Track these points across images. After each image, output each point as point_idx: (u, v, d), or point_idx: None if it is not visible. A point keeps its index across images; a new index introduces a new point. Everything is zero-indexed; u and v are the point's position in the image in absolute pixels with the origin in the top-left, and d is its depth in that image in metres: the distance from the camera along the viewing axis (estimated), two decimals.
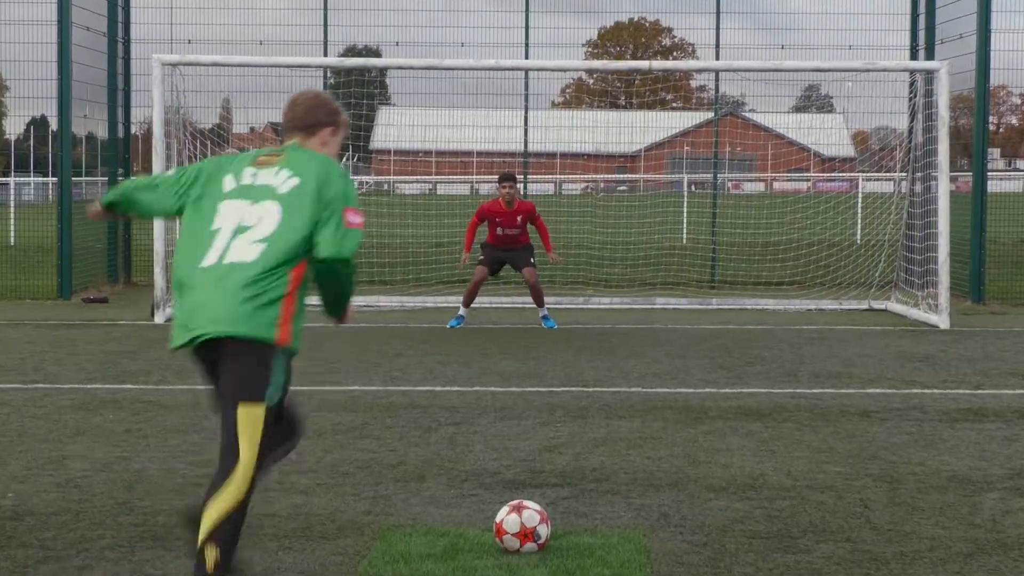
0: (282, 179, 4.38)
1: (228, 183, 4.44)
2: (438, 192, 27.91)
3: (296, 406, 4.61)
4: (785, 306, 14.96)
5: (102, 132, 17.20)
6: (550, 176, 27.39)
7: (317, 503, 5.72)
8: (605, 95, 21.48)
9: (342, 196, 4.34)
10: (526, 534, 4.92)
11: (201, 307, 4.26)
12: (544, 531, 4.96)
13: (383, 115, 22.57)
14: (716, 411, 8.12)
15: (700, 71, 21.19)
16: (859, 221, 19.88)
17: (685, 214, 23.20)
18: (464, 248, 13.13)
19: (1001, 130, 56.50)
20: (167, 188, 4.60)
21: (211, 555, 4.14)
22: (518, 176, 16.40)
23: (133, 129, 17.95)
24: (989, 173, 16.52)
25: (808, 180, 31.89)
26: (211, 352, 4.30)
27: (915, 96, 15.02)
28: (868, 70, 14.89)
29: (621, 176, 35.01)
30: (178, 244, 4.49)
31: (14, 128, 23.77)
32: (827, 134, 25.36)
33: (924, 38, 16.87)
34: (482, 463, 6.56)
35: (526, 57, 17.17)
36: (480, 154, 22.39)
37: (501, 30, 17.71)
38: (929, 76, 14.27)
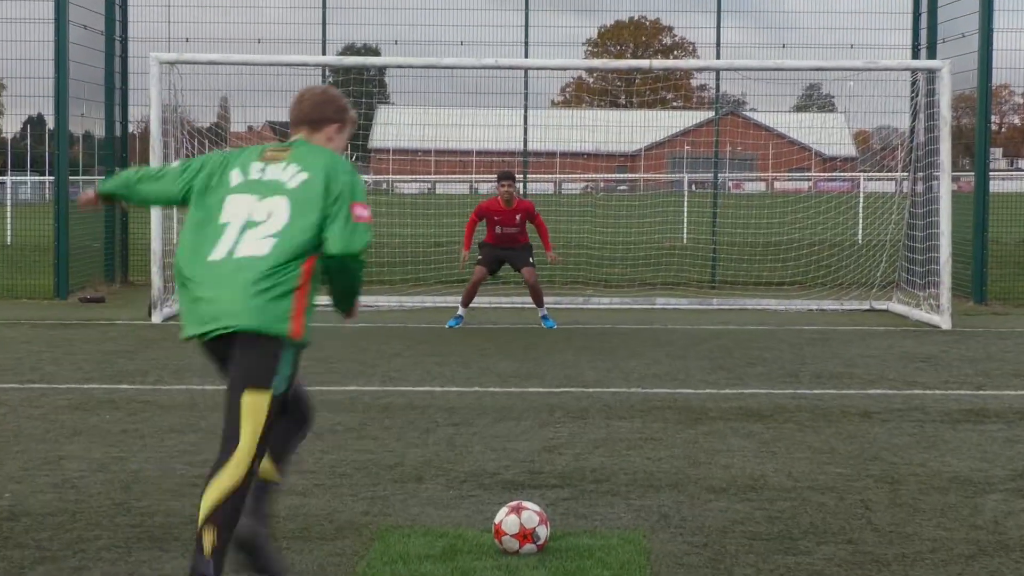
0: (290, 174, 4.39)
1: (235, 177, 4.44)
2: (437, 191, 27.88)
3: (305, 394, 4.61)
4: (786, 306, 14.94)
5: (99, 131, 17.18)
6: (550, 176, 27.35)
7: (315, 504, 5.71)
8: (605, 94, 21.43)
9: (350, 190, 4.36)
10: (525, 535, 4.90)
11: (214, 301, 4.26)
12: (543, 532, 4.94)
13: (382, 114, 22.54)
14: (716, 412, 8.10)
15: (700, 70, 21.16)
16: (860, 221, 19.85)
17: (685, 214, 23.16)
18: (463, 246, 13.09)
19: (1003, 130, 56.46)
20: (171, 177, 4.60)
21: (208, 538, 4.15)
22: (518, 176, 16.38)
23: (130, 128, 17.92)
24: (991, 173, 16.48)
25: (809, 180, 31.86)
26: (222, 345, 4.30)
27: (917, 95, 15.00)
28: (870, 69, 14.86)
29: (621, 176, 34.98)
30: (182, 237, 4.47)
31: (11, 127, 23.75)
32: (828, 133, 25.30)
33: (926, 37, 16.85)
34: (481, 464, 6.54)
35: (526, 56, 17.15)
36: (479, 153, 22.35)
37: (501, 28, 17.69)
38: (931, 75, 14.24)
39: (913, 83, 15.34)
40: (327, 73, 17.28)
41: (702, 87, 38.54)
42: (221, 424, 4.30)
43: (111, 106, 16.98)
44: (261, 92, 17.62)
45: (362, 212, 4.34)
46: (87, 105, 16.65)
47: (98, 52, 16.68)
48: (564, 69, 18.99)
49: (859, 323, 13.63)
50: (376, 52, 21.28)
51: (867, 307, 14.93)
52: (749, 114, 27.00)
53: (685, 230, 22.52)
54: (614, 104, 21.80)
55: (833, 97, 24.03)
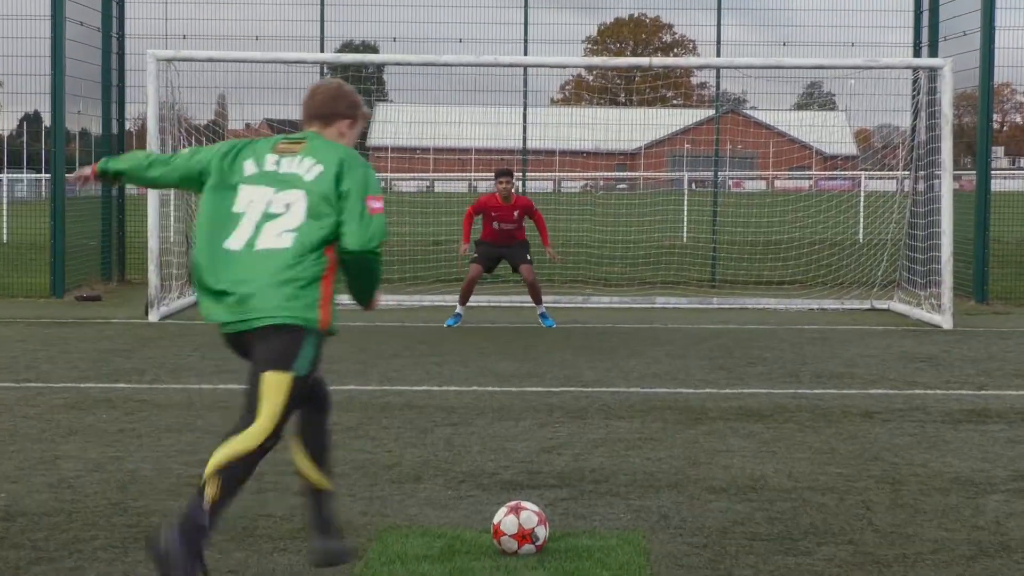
0: (306, 167, 4.43)
1: (249, 167, 4.48)
2: (436, 190, 27.82)
3: (323, 383, 4.63)
4: (787, 306, 14.92)
5: (96, 128, 17.13)
6: (549, 174, 27.32)
7: None
8: (605, 92, 21.40)
9: (363, 184, 4.40)
10: (524, 536, 4.89)
11: (241, 294, 4.30)
12: (542, 533, 4.92)
13: (380, 112, 22.49)
14: (716, 412, 8.07)
15: (701, 68, 21.11)
16: (861, 220, 19.83)
17: (685, 212, 23.14)
18: (463, 238, 13.00)
19: (1005, 128, 56.44)
20: (182, 162, 4.64)
21: (210, 490, 4.18)
22: (517, 174, 16.33)
23: (127, 125, 17.90)
24: (993, 172, 16.46)
25: (810, 178, 31.83)
26: (247, 335, 4.35)
27: (918, 94, 14.97)
28: (871, 67, 14.82)
29: (621, 174, 34.95)
30: (198, 226, 4.49)
31: (7, 124, 23.71)
32: (829, 132, 25.26)
33: (927, 35, 16.82)
34: (480, 464, 6.52)
35: (525, 53, 17.12)
36: (478, 151, 22.30)
37: (500, 26, 17.65)
38: (932, 73, 14.21)
39: (914, 81, 15.30)
40: (325, 70, 17.23)
41: (702, 85, 38.56)
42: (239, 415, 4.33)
43: (108, 103, 16.94)
44: (259, 89, 17.59)
45: (376, 205, 4.39)
46: (84, 102, 16.61)
47: (95, 49, 16.63)
48: (563, 67, 18.97)
49: (860, 323, 13.60)
50: (374, 49, 21.23)
51: (868, 306, 14.90)
52: (750, 112, 26.93)
53: (685, 229, 22.49)
54: (614, 102, 21.76)
55: (834, 95, 24.02)
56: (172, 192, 14.07)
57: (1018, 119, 58.32)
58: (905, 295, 14.82)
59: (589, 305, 14.97)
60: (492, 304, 14.62)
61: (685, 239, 21.33)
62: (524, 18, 17.31)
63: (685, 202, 23.90)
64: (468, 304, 13.08)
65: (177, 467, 6.40)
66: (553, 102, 27.21)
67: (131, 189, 19.00)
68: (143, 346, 11.01)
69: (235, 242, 4.34)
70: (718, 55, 17.40)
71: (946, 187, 13.54)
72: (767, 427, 7.57)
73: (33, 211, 21.19)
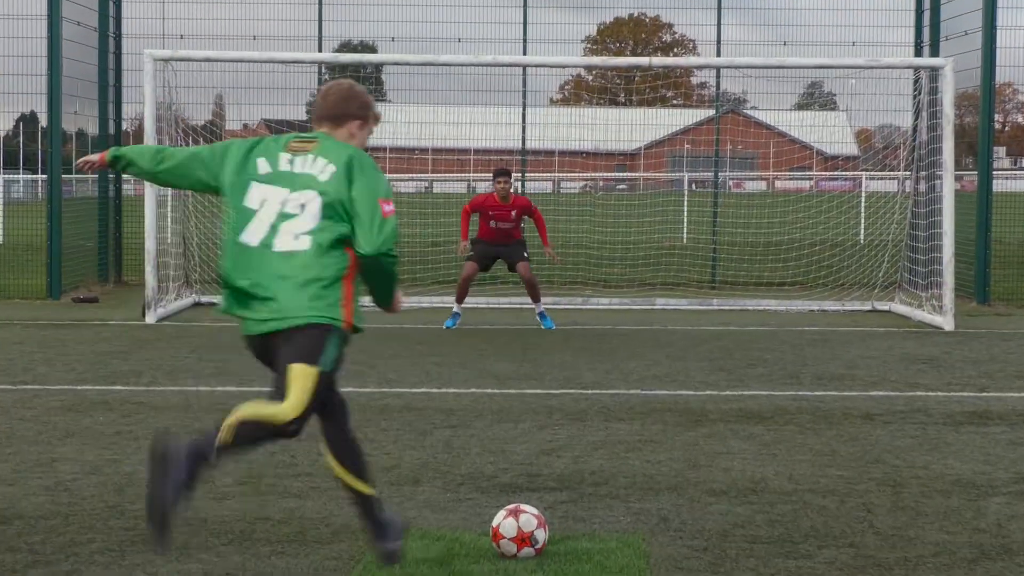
0: (319, 168, 4.47)
1: (263, 165, 4.51)
2: (434, 190, 27.76)
3: (337, 390, 4.64)
4: (787, 307, 14.89)
5: (93, 128, 17.09)
6: (548, 174, 27.29)
7: (311, 507, 5.67)
8: (604, 92, 21.36)
9: (374, 188, 4.44)
10: (523, 539, 4.87)
11: (262, 297, 4.35)
12: (541, 536, 4.91)
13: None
14: (717, 414, 8.05)
15: (701, 68, 21.08)
16: (862, 221, 19.80)
17: (685, 213, 23.10)
18: (461, 236, 12.94)
19: (1007, 128, 56.41)
20: (196, 166, 4.64)
21: (226, 434, 4.25)
22: (516, 175, 16.29)
23: (124, 126, 17.88)
24: (994, 172, 16.44)
25: (811, 179, 31.80)
26: (271, 337, 4.40)
27: (919, 94, 14.93)
28: (872, 67, 14.79)
29: (621, 174, 34.93)
30: (225, 224, 4.58)
31: (3, 124, 23.67)
32: (830, 132, 25.22)
33: (929, 35, 16.79)
34: (478, 466, 6.49)
35: (524, 53, 17.09)
36: (477, 152, 22.26)
37: (499, 25, 17.62)
38: (934, 73, 14.18)
39: (916, 81, 15.27)
40: (323, 70, 17.21)
41: (702, 85, 38.53)
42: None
43: (105, 103, 16.90)
44: (256, 90, 17.56)
45: (388, 208, 4.43)
46: (80, 102, 16.58)
47: (92, 49, 16.59)
48: (563, 67, 18.96)
49: (861, 324, 13.57)
50: (373, 49, 21.20)
51: (869, 308, 14.88)
52: (750, 112, 26.89)
53: (685, 230, 22.45)
54: (613, 102, 21.71)
55: (835, 95, 24.00)
56: (169, 192, 14.04)
57: (1020, 119, 58.32)
58: (906, 296, 14.79)
59: (589, 306, 14.94)
60: (491, 306, 14.58)
61: (685, 240, 21.30)
62: (523, 17, 17.29)
63: (685, 203, 23.87)
64: (467, 305, 13.03)
65: None
66: (552, 102, 27.18)
67: (128, 190, 18.97)
68: (140, 348, 10.98)
69: (251, 237, 4.40)
70: (718, 55, 17.37)
71: (947, 187, 13.51)
72: (767, 429, 7.54)
73: (29, 212, 21.13)
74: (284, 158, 4.50)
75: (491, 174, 13.19)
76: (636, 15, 59.94)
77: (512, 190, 13.12)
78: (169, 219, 14.50)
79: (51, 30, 15.23)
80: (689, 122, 30.26)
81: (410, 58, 15.18)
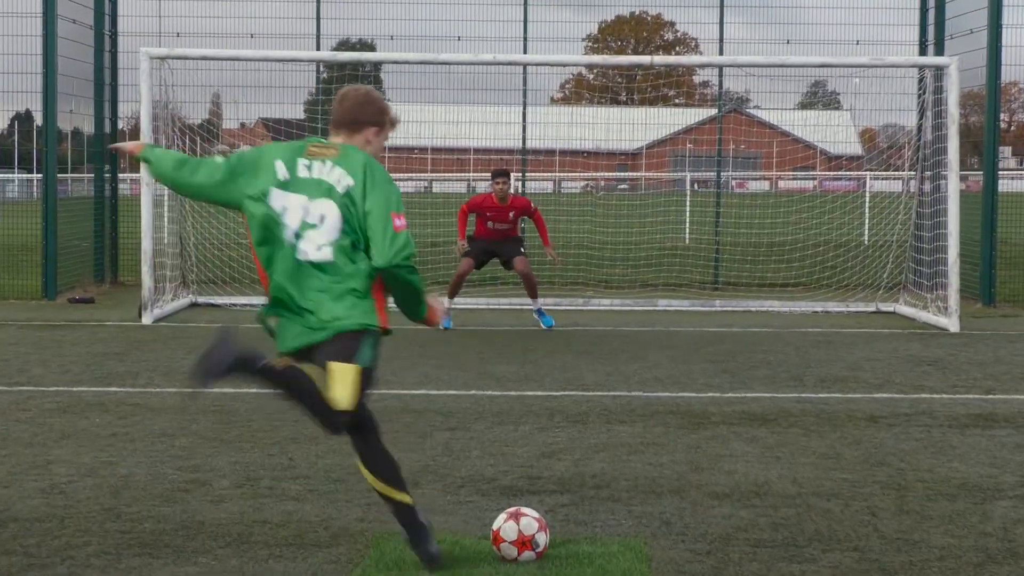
0: (336, 177, 4.54)
1: (281, 170, 4.58)
2: (433, 190, 27.73)
3: (365, 404, 4.73)
4: (790, 308, 14.86)
5: (88, 127, 17.04)
6: (549, 174, 27.26)
7: (309, 510, 5.66)
8: (606, 91, 21.30)
9: (386, 202, 4.51)
10: (524, 542, 4.86)
11: (301, 310, 4.53)
12: (542, 539, 4.89)
13: None
14: (719, 416, 8.01)
15: (703, 66, 21.04)
16: (867, 221, 19.77)
17: (688, 213, 23.05)
18: (459, 235, 12.89)
19: (1012, 128, 56.42)
20: (219, 183, 4.66)
21: (281, 363, 4.49)
22: (516, 174, 16.23)
23: (120, 124, 17.82)
24: (1000, 172, 16.38)
25: (814, 179, 31.76)
26: (310, 347, 4.58)
27: (924, 93, 14.88)
28: (876, 66, 14.75)
29: (622, 174, 34.92)
30: (255, 231, 4.66)
31: None
32: (834, 131, 25.17)
33: (933, 33, 16.75)
34: (479, 469, 6.46)
35: (524, 52, 17.07)
36: (477, 151, 22.23)
37: (499, 24, 17.58)
38: (939, 72, 14.12)
39: (920, 80, 15.21)
40: (321, 69, 17.16)
41: (705, 84, 38.46)
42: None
43: (100, 102, 16.84)
44: (254, 88, 17.49)
45: (399, 223, 4.50)
46: (76, 101, 16.54)
47: (87, 47, 16.53)
48: (564, 65, 18.92)
49: (865, 325, 13.54)
50: (371, 47, 21.14)
51: (873, 309, 14.83)
52: (753, 111, 26.83)
53: (687, 230, 22.40)
54: (615, 101, 21.65)
55: (839, 94, 23.92)
56: (166, 192, 14.00)
57: None
58: (911, 297, 14.75)
59: (590, 308, 14.90)
60: (491, 307, 14.54)
61: (687, 240, 21.25)
62: (523, 15, 17.26)
63: (687, 203, 23.82)
64: (467, 305, 12.97)
65: (171, 472, 6.35)
66: (553, 101, 27.14)
67: (124, 189, 18.93)
68: (136, 349, 10.94)
69: (287, 235, 4.50)
70: (721, 53, 17.33)
71: (952, 188, 13.46)
72: (771, 432, 7.50)
73: (24, 211, 21.05)
74: (302, 163, 4.58)
75: (490, 174, 13.12)
76: (638, 13, 59.91)
77: (512, 190, 13.06)
78: (166, 219, 14.45)
79: (46, 28, 15.17)
80: (691, 121, 30.25)
81: (409, 56, 15.14)
